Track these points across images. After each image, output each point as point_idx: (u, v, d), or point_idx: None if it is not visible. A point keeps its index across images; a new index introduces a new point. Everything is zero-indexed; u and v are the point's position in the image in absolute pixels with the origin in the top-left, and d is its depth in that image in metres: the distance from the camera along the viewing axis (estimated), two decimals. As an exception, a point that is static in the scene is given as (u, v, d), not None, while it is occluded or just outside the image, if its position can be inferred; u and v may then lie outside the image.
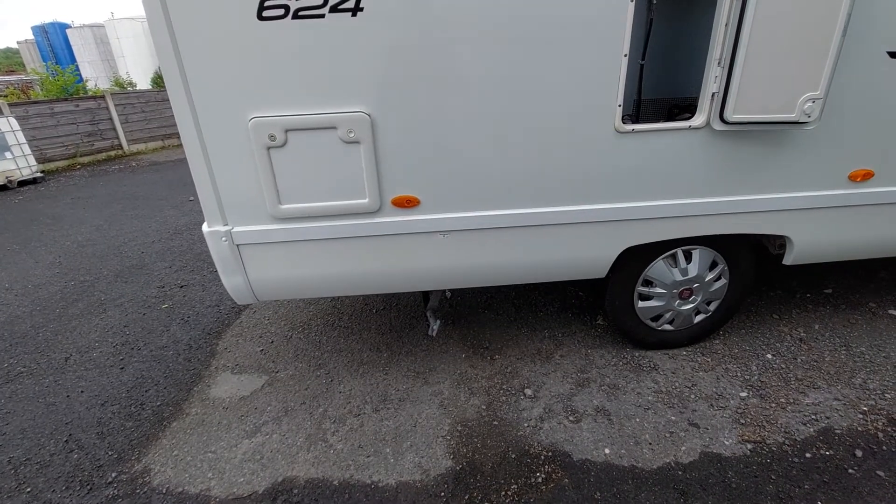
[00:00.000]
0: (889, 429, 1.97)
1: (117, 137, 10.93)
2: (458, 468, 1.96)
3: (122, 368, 2.82)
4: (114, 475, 2.05)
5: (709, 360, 2.49)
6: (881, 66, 1.83)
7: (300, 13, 1.61)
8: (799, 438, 1.97)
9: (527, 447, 2.04)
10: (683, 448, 1.97)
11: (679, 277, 2.32)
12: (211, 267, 4.18)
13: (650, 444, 2.01)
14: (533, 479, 1.88)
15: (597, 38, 1.72)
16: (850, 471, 1.81)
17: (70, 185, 8.20)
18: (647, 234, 2.11)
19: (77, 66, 16.90)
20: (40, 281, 4.16)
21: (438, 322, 2.46)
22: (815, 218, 2.14)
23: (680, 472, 1.86)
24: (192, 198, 6.65)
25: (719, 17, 1.73)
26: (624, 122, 1.86)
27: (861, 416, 2.06)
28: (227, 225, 1.97)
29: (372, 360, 2.71)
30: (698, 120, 1.88)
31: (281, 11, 1.60)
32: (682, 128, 1.90)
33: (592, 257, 2.15)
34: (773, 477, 1.81)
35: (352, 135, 1.80)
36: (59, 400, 2.57)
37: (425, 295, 2.65)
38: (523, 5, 1.65)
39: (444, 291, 2.46)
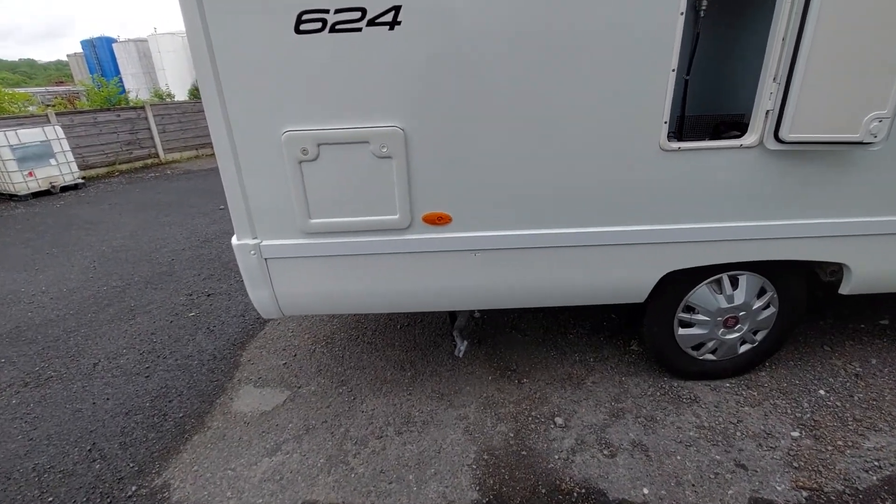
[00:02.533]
0: (967, 482, 1.77)
1: (154, 146, 11.34)
2: (484, 501, 1.86)
3: (147, 377, 2.83)
4: (133, 489, 2.03)
5: (755, 393, 2.32)
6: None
7: (337, 27, 1.59)
8: (861, 487, 1.79)
9: (558, 482, 1.92)
10: (730, 492, 1.82)
11: (724, 305, 2.17)
12: (238, 276, 4.21)
13: (693, 485, 1.86)
14: (565, 518, 1.76)
15: (643, 53, 1.63)
16: (924, 529, 1.63)
17: (108, 191, 8.51)
18: (691, 259, 1.98)
19: (121, 78, 17.74)
20: (75, 285, 4.26)
21: (465, 343, 2.38)
22: (878, 245, 1.97)
23: (727, 520, 1.71)
24: (222, 206, 6.79)
25: (776, 31, 1.62)
26: (669, 140, 1.77)
27: (932, 465, 1.86)
28: (256, 238, 1.95)
29: (395, 378, 2.64)
30: (750, 139, 1.77)
31: (318, 25, 1.58)
32: (733, 146, 1.79)
33: (631, 281, 2.04)
34: (833, 531, 1.64)
35: (385, 150, 1.76)
36: (85, 406, 2.59)
37: (452, 314, 2.57)
38: (567, 19, 1.59)
39: (472, 311, 2.38)
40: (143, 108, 11.11)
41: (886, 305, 2.96)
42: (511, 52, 1.63)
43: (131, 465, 2.16)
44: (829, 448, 1.97)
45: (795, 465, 1.91)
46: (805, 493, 1.78)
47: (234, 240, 1.97)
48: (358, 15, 1.57)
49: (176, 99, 17.51)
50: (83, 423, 2.45)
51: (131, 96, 16.01)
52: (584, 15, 1.58)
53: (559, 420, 2.24)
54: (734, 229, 1.89)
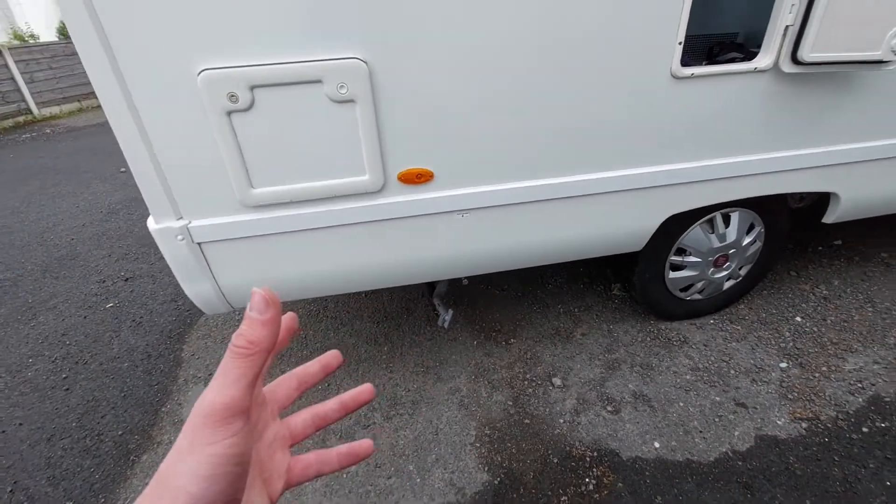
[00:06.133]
0: (938, 392, 1.89)
1: (24, 100, 9.39)
2: (496, 482, 1.72)
3: (67, 389, 2.34)
4: (74, 536, 1.67)
5: (738, 328, 2.33)
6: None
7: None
8: (851, 411, 1.86)
9: (568, 448, 1.82)
10: (737, 433, 1.81)
11: (716, 244, 2.09)
12: (159, 252, 3.59)
13: (700, 431, 1.83)
14: (583, 487, 1.67)
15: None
16: (911, 443, 1.71)
17: (-29, 159, 6.97)
18: (695, 199, 1.82)
19: (-42, 13, 14.21)
20: (-55, 283, 3.44)
21: (451, 312, 2.14)
22: (867, 171, 1.92)
23: (740, 463, 1.70)
24: (123, 169, 5.80)
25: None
26: (682, 66, 1.51)
27: (905, 379, 1.97)
28: (181, 219, 1.51)
29: (371, 355, 2.37)
30: (765, 60, 1.56)
31: None
32: (746, 70, 1.57)
33: (633, 230, 1.86)
34: (836, 459, 1.68)
35: (344, 91, 1.35)
36: (-11, 439, 2.10)
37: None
38: None
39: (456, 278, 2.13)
40: (-2, 52, 9.01)
41: (836, 226, 3.08)
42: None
43: (67, 503, 1.78)
44: (816, 375, 2.02)
45: (790, 396, 1.94)
46: (804, 424, 1.82)
47: (150, 223, 1.51)
48: None
49: (41, 39, 14.47)
50: (-10, 462, 1.98)
51: (-21, 37, 12.99)
52: None
53: (557, 381, 2.12)
54: (743, 164, 1.73)
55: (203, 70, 1.25)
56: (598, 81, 1.49)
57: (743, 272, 2.29)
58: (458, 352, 2.34)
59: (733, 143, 1.70)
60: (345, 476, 1.78)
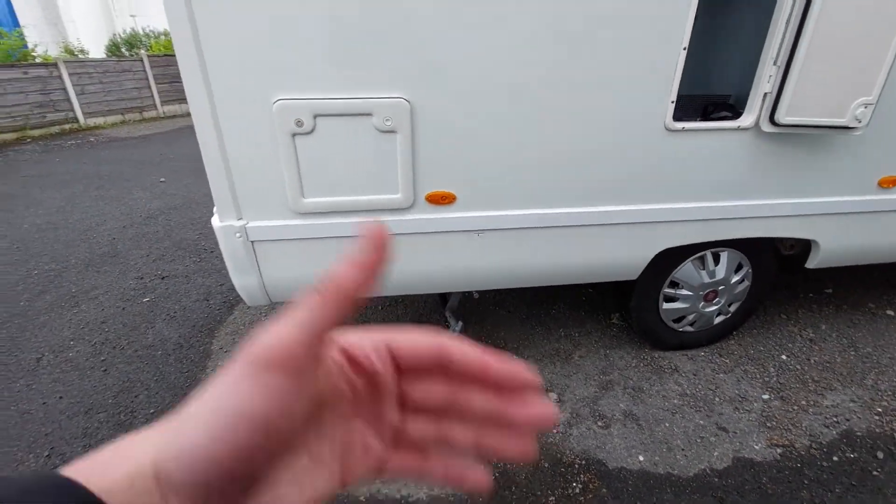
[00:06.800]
0: (908, 431, 2.03)
1: (72, 109, 10.07)
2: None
3: (104, 371, 2.56)
4: (110, 494, 1.85)
5: (727, 361, 2.49)
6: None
7: (341, -17, 1.42)
8: (824, 441, 2.00)
9: (559, 455, 1.98)
10: (716, 453, 1.96)
11: (706, 280, 2.29)
12: (194, 256, 3.90)
13: (683, 449, 1.98)
14: (570, 490, 1.82)
15: (657, 30, 1.61)
16: (875, 473, 1.85)
17: (21, 160, 7.49)
18: (685, 236, 2.05)
19: (21, 29, 15.38)
20: (-3, 269, 3.75)
21: (460, 323, 2.35)
22: (842, 223, 2.14)
23: (716, 479, 1.85)
24: (163, 179, 6.21)
25: (779, 15, 1.65)
26: (674, 120, 1.78)
27: (877, 417, 2.11)
28: (241, 219, 1.77)
29: (384, 360, 2.57)
30: (747, 120, 1.82)
31: (319, -20, 1.41)
32: (731, 128, 1.83)
33: (629, 259, 2.08)
34: (805, 482, 1.82)
35: (389, 123, 1.63)
36: (34, 407, 2.31)
37: (443, 294, 2.52)
38: (586, -10, 1.52)
39: (466, 292, 2.35)
40: (55, 65, 9.75)
41: (829, 276, 3.27)
42: (524, 26, 1.55)
43: (102, 469, 1.97)
44: (795, 408, 2.17)
45: (769, 424, 2.09)
46: (779, 450, 1.96)
47: (215, 221, 1.78)
48: (364, -29, 1.42)
49: (90, 55, 15.53)
50: (35, 426, 2.19)
51: (37, 51, 13.99)
52: (603, -13, 1.52)
53: (553, 395, 2.29)
54: (726, 208, 1.97)
55: (278, 99, 1.55)
56: (603, 129, 1.76)
57: (732, 308, 2.48)
58: (464, 363, 2.53)
59: (719, 190, 1.95)
60: (355, 463, 1.95)
